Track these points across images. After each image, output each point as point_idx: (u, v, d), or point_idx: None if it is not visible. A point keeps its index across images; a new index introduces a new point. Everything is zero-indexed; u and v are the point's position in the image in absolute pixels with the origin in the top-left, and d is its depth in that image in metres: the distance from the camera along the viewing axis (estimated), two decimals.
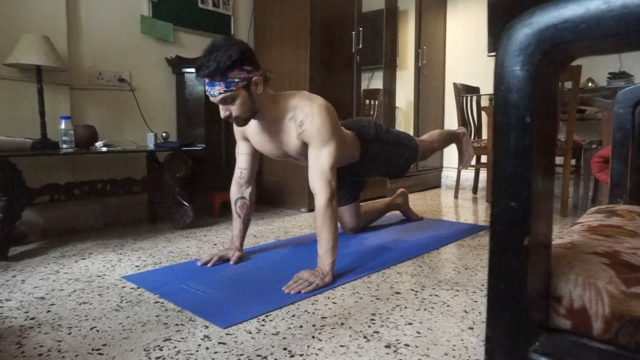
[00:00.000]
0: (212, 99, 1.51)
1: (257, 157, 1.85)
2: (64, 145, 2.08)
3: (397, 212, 2.69)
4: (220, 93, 1.46)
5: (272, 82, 3.10)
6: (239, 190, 1.84)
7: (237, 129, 1.78)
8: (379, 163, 2.10)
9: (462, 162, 2.56)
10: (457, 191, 3.65)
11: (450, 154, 4.27)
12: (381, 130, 2.09)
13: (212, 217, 2.72)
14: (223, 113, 1.53)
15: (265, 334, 1.16)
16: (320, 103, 1.60)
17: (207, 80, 1.47)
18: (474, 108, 3.63)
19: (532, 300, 0.44)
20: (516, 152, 0.42)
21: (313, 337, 1.14)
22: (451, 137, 2.50)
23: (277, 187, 3.11)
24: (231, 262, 1.75)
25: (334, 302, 1.38)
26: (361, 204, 2.36)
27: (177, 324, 1.22)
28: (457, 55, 4.26)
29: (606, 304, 0.45)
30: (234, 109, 1.51)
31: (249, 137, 1.76)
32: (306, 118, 1.57)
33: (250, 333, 1.17)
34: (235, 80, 1.45)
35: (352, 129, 2.00)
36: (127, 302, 1.37)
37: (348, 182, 2.21)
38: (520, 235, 0.42)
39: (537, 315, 0.46)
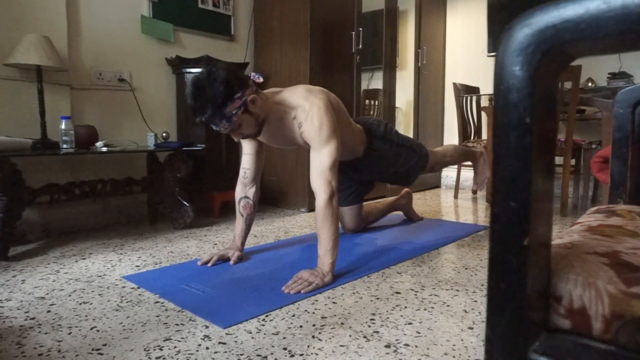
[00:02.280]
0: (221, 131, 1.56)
1: (262, 158, 1.86)
2: (64, 145, 2.08)
3: (398, 213, 2.69)
4: (226, 128, 1.52)
5: (272, 83, 3.12)
6: (243, 189, 1.84)
7: None
8: (383, 163, 2.08)
9: (477, 182, 2.52)
10: (457, 191, 3.65)
11: None
12: (390, 131, 2.09)
13: (212, 217, 2.72)
14: (236, 138, 1.61)
15: (265, 334, 1.16)
16: (319, 104, 1.60)
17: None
18: (473, 108, 3.63)
19: (532, 300, 0.45)
20: (516, 152, 0.42)
21: (313, 337, 1.14)
22: (467, 155, 2.46)
23: (277, 187, 3.11)
24: (231, 262, 1.76)
25: (334, 302, 1.38)
26: (363, 204, 2.36)
27: (177, 324, 1.22)
28: (457, 55, 4.26)
29: (606, 303, 0.45)
30: (244, 131, 1.57)
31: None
32: (305, 120, 1.58)
33: (250, 333, 1.17)
34: (233, 112, 1.48)
35: (360, 123, 2.02)
36: (127, 302, 1.37)
37: (355, 183, 2.21)
38: (520, 235, 0.42)
39: (537, 315, 0.46)
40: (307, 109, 1.58)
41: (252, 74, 1.61)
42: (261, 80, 1.62)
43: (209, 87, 1.44)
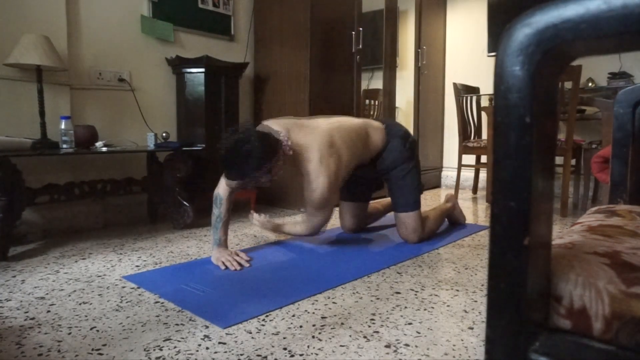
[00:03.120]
0: None
1: None
2: (64, 145, 2.08)
3: None
4: (251, 186, 1.75)
5: (272, 83, 3.12)
6: (230, 198, 1.85)
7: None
8: (398, 157, 2.08)
9: (461, 222, 2.52)
10: (457, 191, 3.65)
11: (450, 153, 4.28)
12: (411, 141, 2.14)
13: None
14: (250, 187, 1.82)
15: (265, 334, 1.16)
16: (325, 178, 1.77)
17: None
18: (474, 108, 3.63)
19: (532, 300, 0.44)
20: (516, 152, 0.42)
21: (313, 337, 1.14)
22: (444, 215, 2.38)
23: (277, 187, 3.11)
24: (247, 265, 1.74)
25: (334, 302, 1.38)
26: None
27: (177, 324, 1.22)
28: (457, 55, 4.26)
29: (606, 303, 0.45)
30: (258, 185, 1.75)
31: None
32: (310, 172, 1.79)
33: (250, 333, 1.17)
34: (256, 175, 1.64)
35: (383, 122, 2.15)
36: (127, 302, 1.37)
37: (366, 180, 2.21)
38: (520, 235, 0.42)
39: (537, 315, 0.46)
40: (315, 168, 1.77)
41: (284, 141, 1.71)
42: (291, 153, 1.75)
43: (241, 161, 1.57)
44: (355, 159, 1.94)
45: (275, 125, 1.80)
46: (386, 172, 2.11)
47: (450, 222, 2.52)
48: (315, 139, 1.80)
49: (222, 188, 1.84)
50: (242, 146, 1.57)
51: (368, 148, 2.03)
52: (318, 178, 1.77)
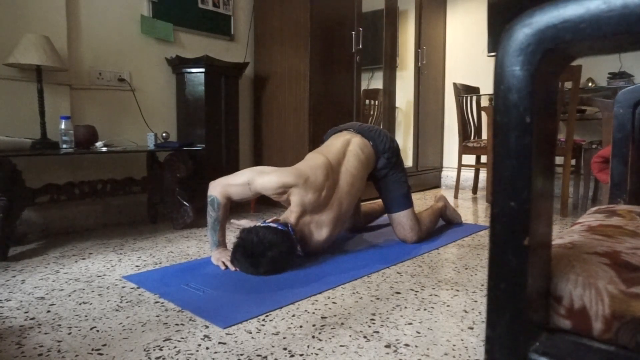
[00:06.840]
0: None
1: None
2: (64, 145, 2.07)
3: None
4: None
5: (272, 83, 3.12)
6: (229, 203, 1.82)
7: (279, 188, 1.75)
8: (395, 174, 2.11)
9: (457, 221, 2.52)
10: (457, 191, 3.65)
11: (450, 153, 4.28)
12: (396, 149, 2.13)
13: None
14: None
15: (265, 334, 1.16)
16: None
17: None
18: (473, 108, 3.63)
19: (532, 300, 0.44)
20: (516, 152, 0.42)
21: (313, 337, 1.14)
22: (437, 215, 2.36)
23: None
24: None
25: (334, 302, 1.38)
26: (361, 203, 2.36)
27: (177, 324, 1.22)
28: (457, 55, 4.26)
29: (606, 304, 0.45)
30: None
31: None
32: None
33: (250, 333, 1.17)
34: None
35: (370, 139, 2.07)
36: (127, 302, 1.37)
37: None
38: (520, 235, 0.42)
39: (537, 315, 0.46)
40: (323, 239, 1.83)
41: (298, 248, 1.73)
42: (302, 255, 1.79)
43: (263, 265, 1.60)
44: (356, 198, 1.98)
45: (293, 208, 1.75)
46: (375, 179, 2.13)
47: (445, 222, 2.52)
48: (325, 221, 1.81)
49: (219, 193, 1.78)
50: (262, 253, 1.58)
51: (365, 179, 2.04)
52: (328, 238, 1.85)
